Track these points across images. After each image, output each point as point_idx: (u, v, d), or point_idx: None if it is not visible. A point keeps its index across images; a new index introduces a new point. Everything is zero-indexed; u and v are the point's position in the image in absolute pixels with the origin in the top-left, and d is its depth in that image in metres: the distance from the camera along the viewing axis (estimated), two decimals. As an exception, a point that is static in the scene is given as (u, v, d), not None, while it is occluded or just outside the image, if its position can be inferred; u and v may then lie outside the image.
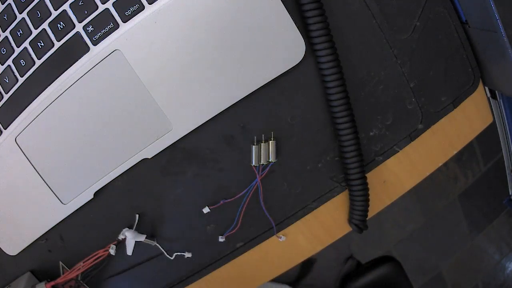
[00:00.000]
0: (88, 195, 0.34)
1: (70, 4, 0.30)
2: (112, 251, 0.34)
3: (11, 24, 0.31)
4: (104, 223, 0.36)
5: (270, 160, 0.35)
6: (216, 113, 0.33)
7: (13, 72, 0.31)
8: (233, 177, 0.35)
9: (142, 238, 0.35)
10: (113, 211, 0.36)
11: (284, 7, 0.31)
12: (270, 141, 0.34)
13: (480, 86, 0.38)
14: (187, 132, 0.33)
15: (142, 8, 0.30)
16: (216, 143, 0.35)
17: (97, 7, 0.30)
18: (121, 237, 0.35)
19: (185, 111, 0.32)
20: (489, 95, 0.40)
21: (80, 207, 0.34)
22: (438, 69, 0.36)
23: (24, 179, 0.33)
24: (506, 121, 0.42)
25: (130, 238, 0.35)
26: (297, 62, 0.32)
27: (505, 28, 0.31)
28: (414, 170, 0.39)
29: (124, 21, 0.30)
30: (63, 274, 0.36)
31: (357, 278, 0.85)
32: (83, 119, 0.32)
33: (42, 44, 0.30)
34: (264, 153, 0.34)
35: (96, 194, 0.34)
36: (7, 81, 0.32)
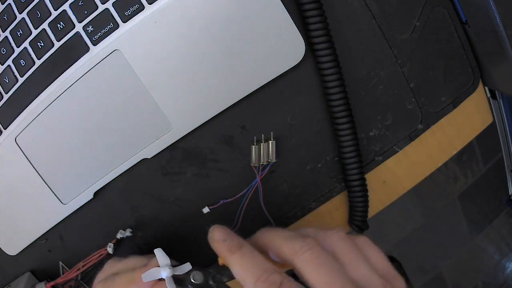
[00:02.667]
0: (88, 195, 0.34)
1: (70, 4, 0.30)
2: (110, 250, 0.34)
3: (11, 24, 0.31)
4: (104, 223, 0.36)
5: (270, 160, 0.35)
6: (216, 113, 0.33)
7: (13, 72, 0.31)
8: (233, 177, 0.35)
9: (185, 268, 0.27)
10: (113, 211, 0.36)
11: (284, 7, 0.31)
12: (270, 141, 0.34)
13: (480, 86, 0.38)
14: (187, 132, 0.33)
15: (142, 8, 0.30)
16: (216, 143, 0.35)
17: (97, 7, 0.30)
18: (119, 236, 0.35)
19: (185, 111, 0.32)
20: (489, 95, 0.40)
21: (80, 207, 0.34)
22: (438, 69, 0.36)
23: (24, 179, 0.33)
24: (506, 121, 0.42)
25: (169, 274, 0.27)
26: (297, 62, 0.32)
27: (505, 28, 0.31)
28: (414, 170, 0.39)
29: (124, 21, 0.30)
30: (63, 274, 0.36)
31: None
32: (83, 119, 0.32)
33: (42, 44, 0.30)
34: (264, 153, 0.34)
35: (96, 194, 0.34)
36: (7, 81, 0.32)
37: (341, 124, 0.33)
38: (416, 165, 0.39)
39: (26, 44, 0.31)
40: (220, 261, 0.27)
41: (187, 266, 0.27)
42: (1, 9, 0.31)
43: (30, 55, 0.31)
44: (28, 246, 0.35)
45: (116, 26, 0.30)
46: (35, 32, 0.30)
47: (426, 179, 0.40)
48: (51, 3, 0.30)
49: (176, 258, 0.37)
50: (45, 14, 0.30)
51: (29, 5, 0.30)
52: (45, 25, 0.30)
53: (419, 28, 0.35)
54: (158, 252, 0.28)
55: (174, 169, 0.35)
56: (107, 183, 0.34)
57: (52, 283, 0.35)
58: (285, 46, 0.32)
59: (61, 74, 0.31)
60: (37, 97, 0.31)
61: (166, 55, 0.31)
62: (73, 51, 0.30)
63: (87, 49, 0.30)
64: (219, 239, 0.27)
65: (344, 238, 0.26)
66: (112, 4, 0.30)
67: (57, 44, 0.30)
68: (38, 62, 0.31)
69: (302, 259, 0.24)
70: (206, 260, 0.38)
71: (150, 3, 0.30)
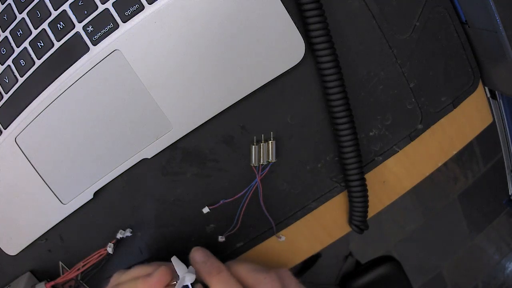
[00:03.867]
0: (88, 195, 0.34)
1: (70, 4, 0.30)
2: (109, 250, 0.34)
3: (11, 24, 0.31)
4: (104, 223, 0.36)
5: (270, 160, 0.35)
6: (216, 113, 0.33)
7: (13, 72, 0.31)
8: (233, 177, 0.35)
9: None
10: (113, 211, 0.36)
11: (284, 7, 0.31)
12: (270, 141, 0.34)
13: (480, 86, 0.38)
14: (187, 132, 0.33)
15: (142, 8, 0.30)
16: (216, 143, 0.35)
17: (97, 7, 0.30)
18: (119, 236, 0.35)
19: (185, 111, 0.32)
20: (489, 95, 0.40)
21: (80, 207, 0.34)
22: (438, 69, 0.36)
23: (24, 179, 0.33)
24: (505, 121, 0.42)
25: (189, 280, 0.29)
26: (297, 62, 0.32)
27: (505, 28, 0.31)
28: (414, 170, 0.39)
29: (124, 21, 0.30)
30: (63, 274, 0.36)
31: (356, 277, 0.85)
32: (83, 119, 0.32)
33: (42, 44, 0.30)
34: (264, 153, 0.34)
35: (96, 194, 0.34)
36: (7, 81, 0.32)
37: (341, 124, 0.33)
38: (416, 165, 0.39)
39: (26, 44, 0.31)
40: None
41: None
42: (1, 9, 0.31)
43: (30, 55, 0.31)
44: (28, 246, 0.35)
45: (116, 26, 0.30)
46: (35, 32, 0.30)
47: (426, 179, 0.40)
48: (51, 3, 0.30)
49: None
50: (45, 14, 0.30)
51: (29, 5, 0.30)
52: (45, 25, 0.30)
53: (419, 28, 0.35)
54: (175, 261, 0.30)
55: (174, 169, 0.35)
56: (107, 183, 0.34)
57: (52, 283, 0.35)
58: (285, 46, 0.32)
59: (61, 74, 0.31)
60: (37, 97, 0.31)
61: (166, 55, 0.31)
62: (73, 51, 0.30)
63: (87, 49, 0.30)
64: (199, 260, 0.31)
65: (291, 276, 0.32)
66: (112, 4, 0.30)
67: (57, 44, 0.30)
68: (38, 62, 0.31)
69: None
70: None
71: (150, 3, 0.30)
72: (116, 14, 0.30)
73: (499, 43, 0.32)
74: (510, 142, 0.44)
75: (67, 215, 0.34)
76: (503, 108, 0.41)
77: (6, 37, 0.31)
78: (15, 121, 0.32)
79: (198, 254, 0.31)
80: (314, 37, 0.31)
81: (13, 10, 0.31)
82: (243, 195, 0.36)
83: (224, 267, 0.30)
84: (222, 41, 0.31)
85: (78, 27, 0.30)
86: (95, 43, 0.30)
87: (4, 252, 0.35)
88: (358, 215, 0.37)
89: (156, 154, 0.33)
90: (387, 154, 0.37)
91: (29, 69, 0.31)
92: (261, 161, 0.34)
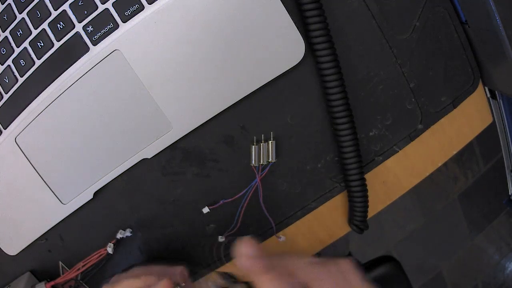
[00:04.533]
0: (88, 195, 0.34)
1: (70, 4, 0.30)
2: (109, 250, 0.34)
3: (11, 24, 0.31)
4: (104, 223, 0.36)
5: (269, 160, 0.35)
6: (216, 113, 0.33)
7: (13, 72, 0.31)
8: (233, 177, 0.35)
9: None
10: (113, 211, 0.36)
11: (284, 7, 0.31)
12: (270, 141, 0.34)
13: (480, 86, 0.38)
14: (187, 132, 0.33)
15: (141, 8, 0.30)
16: (216, 143, 0.35)
17: (97, 7, 0.30)
18: (119, 236, 0.35)
19: (185, 111, 0.32)
20: (489, 95, 0.40)
21: (80, 207, 0.34)
22: (438, 69, 0.36)
23: (24, 179, 0.33)
24: (505, 121, 0.42)
25: None
26: (297, 62, 0.32)
27: (505, 28, 0.31)
28: (414, 170, 0.39)
29: (124, 21, 0.30)
30: (62, 274, 0.36)
31: (356, 278, 0.85)
32: (83, 119, 0.32)
33: (42, 44, 0.30)
34: (263, 153, 0.34)
35: (96, 194, 0.34)
36: (7, 81, 0.32)
37: (341, 124, 0.33)
38: (416, 165, 0.39)
39: (26, 44, 0.31)
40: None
41: None
42: (1, 9, 0.31)
43: (30, 55, 0.31)
44: (28, 246, 0.35)
45: (116, 26, 0.30)
46: (35, 32, 0.30)
47: (426, 179, 0.40)
48: (51, 3, 0.30)
49: (176, 258, 0.38)
50: (45, 14, 0.30)
51: (29, 5, 0.30)
52: (45, 25, 0.30)
53: (419, 28, 0.35)
54: None
55: (174, 169, 0.35)
56: (107, 183, 0.34)
57: (52, 283, 0.35)
58: (285, 46, 0.32)
59: (61, 74, 0.31)
60: (37, 97, 0.31)
61: (166, 55, 0.31)
62: (73, 51, 0.30)
63: (87, 49, 0.30)
64: (253, 255, 0.26)
65: (353, 268, 0.27)
66: (112, 4, 0.30)
67: (57, 44, 0.30)
68: (38, 62, 0.31)
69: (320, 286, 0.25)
70: (205, 260, 0.38)
71: (150, 3, 0.30)
72: (116, 14, 0.30)
73: (499, 43, 0.32)
74: (510, 142, 0.44)
75: (67, 215, 0.34)
76: (503, 108, 0.41)
77: (6, 37, 0.31)
78: (15, 121, 0.32)
79: (249, 248, 0.26)
80: (314, 37, 0.31)
81: (13, 10, 0.31)
82: (243, 195, 0.36)
83: (276, 263, 0.26)
84: (222, 41, 0.31)
85: (78, 27, 0.30)
86: (95, 43, 0.30)
87: (4, 252, 0.35)
88: (358, 215, 0.37)
89: (156, 154, 0.33)
90: (387, 154, 0.37)
91: (29, 69, 0.31)
92: (261, 161, 0.34)
